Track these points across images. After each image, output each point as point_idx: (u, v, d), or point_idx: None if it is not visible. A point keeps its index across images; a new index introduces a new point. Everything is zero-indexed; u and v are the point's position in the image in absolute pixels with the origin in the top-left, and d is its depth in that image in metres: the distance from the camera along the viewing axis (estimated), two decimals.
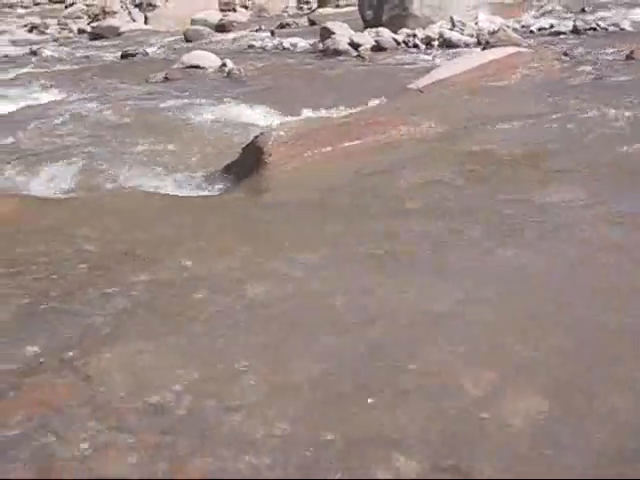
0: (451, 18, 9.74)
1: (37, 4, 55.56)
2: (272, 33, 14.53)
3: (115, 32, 20.37)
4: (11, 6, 53.88)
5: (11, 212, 3.89)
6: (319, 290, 2.77)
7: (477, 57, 6.74)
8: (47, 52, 13.23)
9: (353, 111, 5.24)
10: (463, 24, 9.51)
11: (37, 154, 5.48)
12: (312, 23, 15.82)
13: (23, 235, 3.56)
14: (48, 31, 26.45)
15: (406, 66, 8.14)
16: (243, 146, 4.53)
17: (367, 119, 4.76)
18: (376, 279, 2.82)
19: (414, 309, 2.57)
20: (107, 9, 26.83)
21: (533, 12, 13.27)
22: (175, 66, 8.64)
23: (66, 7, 30.51)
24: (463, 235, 3.17)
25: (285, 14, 21.88)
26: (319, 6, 21.24)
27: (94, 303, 2.80)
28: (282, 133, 4.43)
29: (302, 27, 15.63)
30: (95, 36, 20.54)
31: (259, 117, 6.17)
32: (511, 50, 6.74)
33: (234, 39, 13.89)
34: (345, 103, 6.35)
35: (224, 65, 8.59)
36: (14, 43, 23.19)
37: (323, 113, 6.07)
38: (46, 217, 3.80)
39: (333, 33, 9.68)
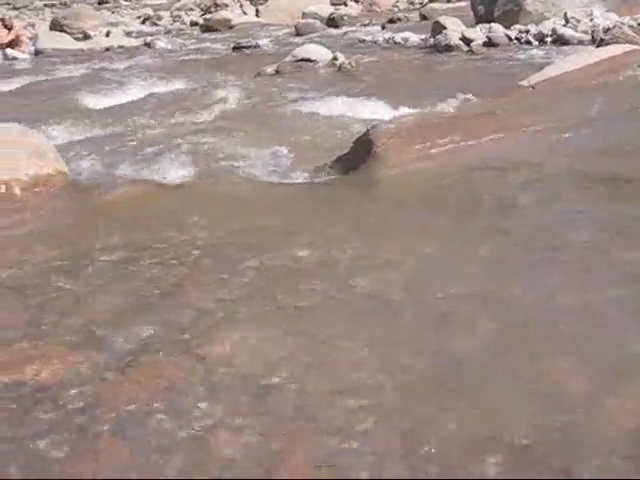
0: (565, 14, 9.59)
1: None
2: (383, 27, 14.57)
3: (227, 25, 20.64)
4: None
5: (135, 198, 4.01)
6: (428, 284, 2.78)
7: (590, 54, 6.61)
8: (160, 44, 13.50)
9: (464, 105, 5.17)
10: (577, 20, 9.36)
11: (156, 144, 5.60)
12: (423, 18, 15.81)
13: (142, 220, 3.67)
14: (161, 23, 26.96)
15: (518, 62, 8.05)
16: (354, 139, 4.55)
17: (478, 114, 4.74)
18: (490, 278, 2.82)
19: (534, 303, 2.57)
20: (219, 1, 27.25)
21: None
22: (286, 59, 8.71)
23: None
24: (575, 234, 3.14)
25: (395, 9, 21.87)
26: (430, 1, 21.16)
27: (208, 288, 2.87)
28: (393, 126, 4.45)
29: (413, 22, 15.62)
30: (207, 28, 20.84)
31: (370, 111, 6.17)
32: (627, 48, 6.61)
33: (344, 33, 13.95)
34: (456, 98, 6.34)
35: (335, 59, 8.62)
36: (128, 34, 23.68)
37: (434, 108, 6.07)
38: (164, 203, 3.91)
39: (445, 28, 9.64)
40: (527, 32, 9.32)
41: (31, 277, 3.10)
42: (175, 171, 4.72)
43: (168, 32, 22.36)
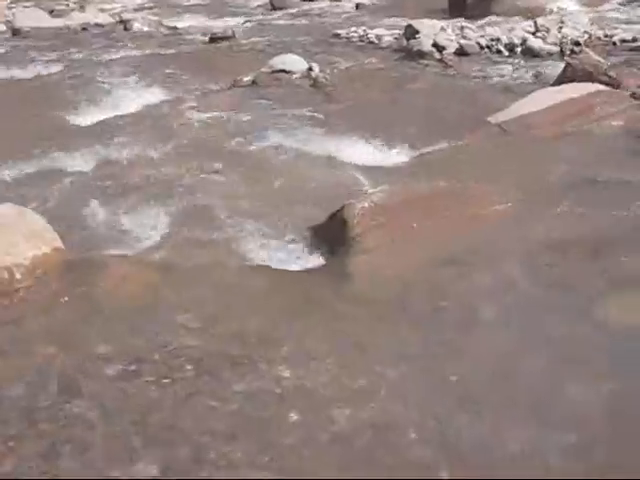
0: (535, 22, 9.84)
1: None
2: (357, 6, 14.75)
3: None
4: None
5: (127, 286, 4.31)
6: (398, 419, 3.13)
7: (556, 94, 6.94)
8: (137, 25, 13.59)
9: (439, 183, 5.38)
10: (547, 30, 9.62)
11: (126, 187, 5.94)
12: None
13: (135, 318, 3.97)
14: None
15: (488, 83, 8.35)
16: (329, 214, 4.87)
17: (449, 191, 5.04)
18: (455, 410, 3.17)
19: None
20: None
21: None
22: (263, 69, 8.94)
23: None
24: (530, 362, 3.48)
25: None
26: None
27: (199, 418, 3.21)
28: (367, 206, 4.76)
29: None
30: None
31: (344, 153, 6.48)
32: (591, 88, 6.93)
33: (319, 14, 14.14)
34: (426, 135, 6.69)
35: (310, 69, 8.87)
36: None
37: (404, 153, 6.42)
38: (154, 296, 4.22)
39: (417, 32, 9.87)
40: (498, 40, 9.56)
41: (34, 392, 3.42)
42: (156, 240, 5.05)
43: None
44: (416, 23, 10.12)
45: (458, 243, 4.50)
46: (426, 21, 10.36)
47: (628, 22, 11.25)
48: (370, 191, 5.02)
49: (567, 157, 5.82)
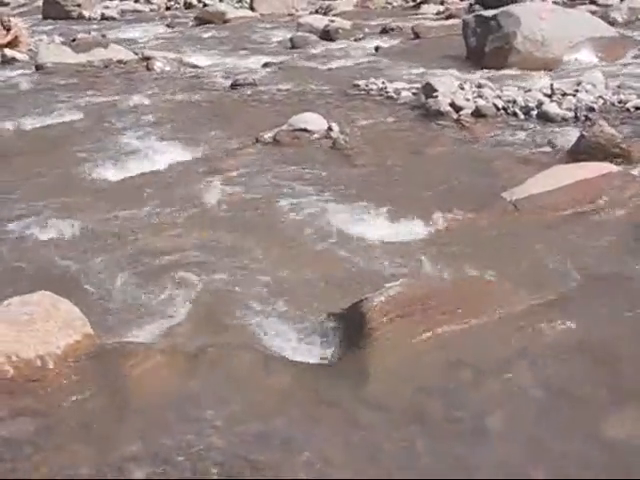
0: (551, 85, 10.03)
1: None
2: (376, 49, 14.99)
3: (222, 19, 21.06)
4: None
5: (155, 379, 4.51)
6: None
7: (568, 173, 7.12)
8: (158, 64, 13.84)
9: (455, 275, 5.58)
10: (562, 93, 9.81)
11: (148, 258, 6.17)
12: (416, 36, 16.22)
13: (162, 415, 4.18)
14: (155, 1, 27.13)
15: (504, 148, 8.53)
16: (346, 307, 5.07)
17: (469, 286, 5.23)
18: None
19: None
20: None
21: (636, 51, 13.47)
22: (284, 127, 9.15)
23: None
24: None
25: (389, 6, 22.20)
26: (422, 2, 21.54)
27: None
28: (384, 300, 4.95)
29: (406, 40, 15.94)
30: (202, 21, 21.16)
31: (362, 227, 6.68)
32: (604, 169, 7.12)
33: (339, 57, 14.37)
34: (442, 208, 6.88)
35: (330, 129, 9.09)
36: (122, 15, 24.00)
37: (420, 227, 6.62)
38: (174, 385, 4.42)
39: (436, 90, 10.08)
40: (514, 103, 9.75)
41: None
42: (180, 321, 5.28)
43: (163, 18, 22.68)
44: (434, 81, 10.31)
45: (473, 344, 4.68)
46: (444, 79, 10.55)
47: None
48: (388, 285, 5.18)
49: (580, 246, 5.98)
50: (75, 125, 10.44)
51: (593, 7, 17.83)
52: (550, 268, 5.68)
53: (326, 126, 9.17)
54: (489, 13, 13.74)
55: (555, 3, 18.65)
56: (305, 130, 9.10)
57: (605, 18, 15.97)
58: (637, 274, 5.51)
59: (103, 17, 24.34)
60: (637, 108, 9.39)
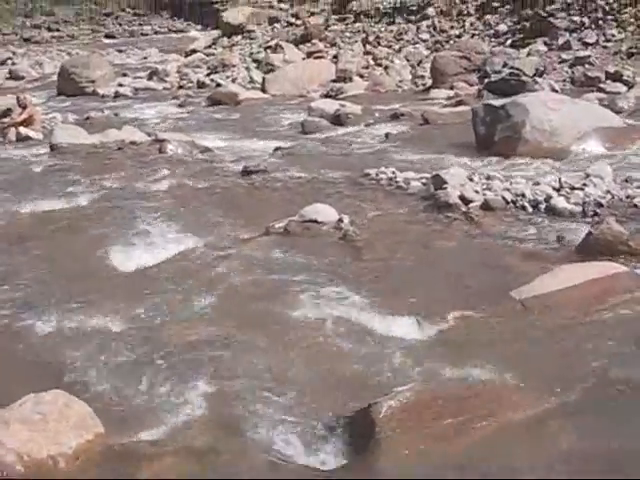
0: (559, 179, 10.15)
1: (157, 32, 57.49)
2: (386, 136, 15.17)
3: (234, 99, 21.37)
4: (132, 34, 55.86)
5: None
6: None
7: (577, 273, 7.20)
8: (171, 147, 14.03)
9: (465, 379, 5.62)
10: (570, 187, 9.92)
11: (160, 353, 6.24)
12: (425, 122, 16.43)
13: None
14: (168, 79, 27.56)
15: (513, 242, 8.60)
16: (360, 409, 5.11)
17: (478, 391, 5.28)
18: None
19: None
20: (226, 62, 27.94)
21: None
22: (295, 217, 9.25)
23: (186, 55, 31.68)
24: None
25: (399, 89, 22.50)
26: (433, 83, 21.84)
27: None
28: (394, 405, 5.00)
29: (416, 126, 16.12)
30: (214, 102, 21.47)
31: (371, 324, 6.75)
32: (611, 269, 7.20)
33: (350, 143, 14.54)
34: (451, 304, 6.95)
35: (341, 220, 9.20)
36: (136, 93, 24.37)
37: (429, 325, 6.68)
38: None
39: (445, 182, 10.20)
40: (523, 196, 9.86)
41: None
42: (189, 419, 5.32)
43: (175, 98, 23.01)
44: (444, 173, 10.44)
45: (482, 451, 4.71)
46: (453, 170, 10.67)
47: None
48: (398, 389, 5.23)
49: (588, 349, 6.02)
50: (89, 209, 10.58)
51: (601, 94, 18.04)
52: (559, 372, 5.72)
53: (337, 217, 9.28)
54: (498, 102, 13.94)
55: (563, 91, 19.00)
56: (316, 221, 9.21)
57: (612, 106, 16.17)
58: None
59: (117, 95, 24.70)
60: None
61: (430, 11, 27.20)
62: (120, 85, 26.37)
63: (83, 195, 11.20)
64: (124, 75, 28.97)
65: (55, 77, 27.61)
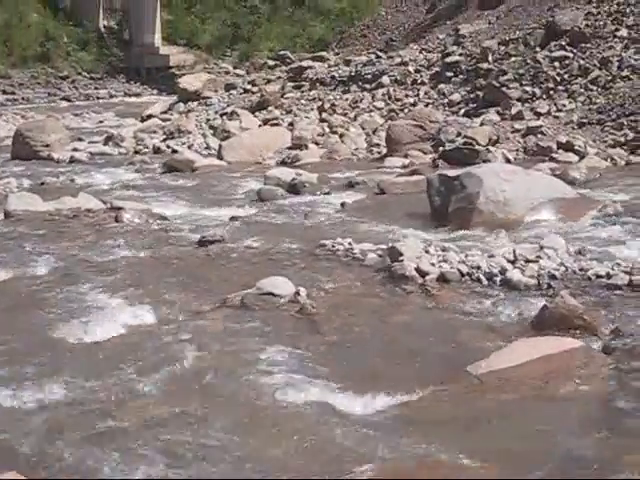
0: (514, 251, 10.25)
1: (113, 96, 57.68)
2: (342, 205, 15.24)
3: (190, 166, 21.42)
4: (88, 97, 56.01)
5: None
6: None
7: (533, 348, 7.28)
8: (127, 216, 13.98)
9: (424, 459, 5.63)
10: (525, 259, 10.02)
11: (112, 433, 6.16)
12: (381, 191, 16.53)
13: None
14: (124, 144, 27.53)
15: (469, 317, 8.66)
16: None
17: (437, 466, 5.28)
18: None
19: None
20: (183, 128, 28.02)
21: (595, 212, 13.78)
22: (252, 290, 9.24)
23: (142, 120, 31.70)
24: None
25: (355, 157, 22.63)
26: (388, 151, 22.02)
27: None
28: None
29: (370, 196, 16.19)
30: (170, 168, 21.47)
31: (328, 402, 6.76)
32: (566, 345, 7.30)
33: (306, 213, 14.58)
34: (407, 380, 6.99)
35: (298, 293, 9.21)
36: (91, 158, 24.32)
37: (385, 401, 6.70)
38: None
39: (401, 254, 10.26)
40: (478, 268, 9.94)
41: None
42: None
43: (132, 163, 22.99)
44: (400, 245, 10.50)
45: None
46: (409, 242, 10.75)
47: (605, 242, 11.65)
48: (360, 469, 5.22)
49: (545, 425, 6.09)
50: (43, 280, 10.47)
51: (553, 164, 18.29)
52: (514, 449, 5.74)
53: (293, 290, 9.30)
54: (453, 173, 14.08)
55: (516, 160, 19.27)
56: (273, 294, 9.20)
57: (564, 176, 16.40)
58: (597, 456, 5.58)
59: (72, 160, 24.56)
60: (598, 276, 9.58)
61: (385, 80, 27.45)
62: (75, 150, 26.19)
63: (38, 265, 11.08)
64: (80, 139, 28.73)
65: (9, 141, 27.36)
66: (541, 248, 10.57)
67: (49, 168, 22.75)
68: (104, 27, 67.46)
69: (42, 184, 19.37)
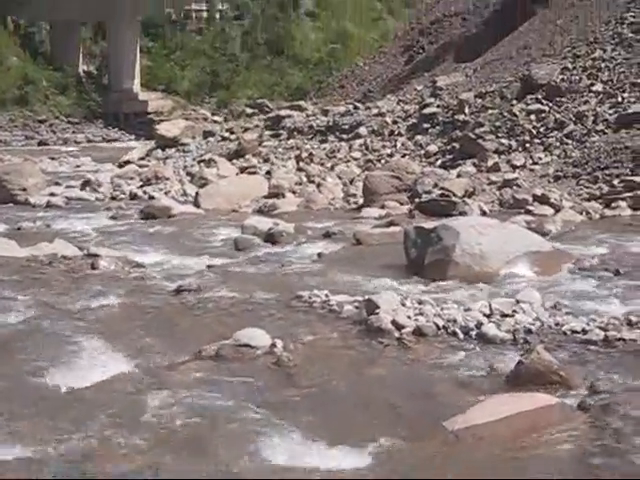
0: (489, 305, 10.30)
1: (90, 141, 57.73)
2: (319, 255, 15.28)
3: (167, 213, 21.45)
4: (65, 141, 56.03)
5: None
6: None
7: (508, 405, 7.30)
8: (103, 264, 13.96)
9: None
10: (501, 314, 10.07)
11: None
12: (358, 242, 16.57)
13: None
14: (101, 190, 27.51)
15: (445, 371, 8.67)
16: None
17: None
18: None
19: None
20: (160, 174, 28.06)
21: (570, 265, 13.87)
22: (228, 342, 9.24)
23: (120, 166, 31.73)
24: None
25: (331, 207, 22.71)
26: (365, 202, 22.11)
27: None
28: None
29: (348, 247, 16.21)
30: (147, 215, 21.49)
31: (302, 456, 6.73)
32: (542, 401, 7.34)
33: (282, 263, 14.58)
34: (382, 434, 6.96)
35: (274, 345, 9.21)
36: (68, 203, 24.29)
37: (362, 455, 6.66)
38: None
39: (378, 307, 10.28)
40: (454, 322, 9.97)
41: None
42: None
43: (108, 209, 22.97)
44: (376, 298, 10.53)
45: None
46: (386, 295, 10.77)
47: (580, 296, 11.71)
48: None
49: None
50: (17, 328, 10.42)
51: (529, 217, 18.43)
52: None
53: (270, 342, 9.31)
54: (429, 225, 14.17)
55: (492, 212, 19.40)
56: (249, 346, 9.19)
57: (540, 229, 16.54)
58: None
59: (49, 204, 24.53)
60: (573, 332, 9.63)
61: (362, 130, 27.63)
62: (52, 194, 26.15)
63: (13, 313, 11.01)
64: (57, 184, 28.70)
65: None
66: (517, 302, 10.64)
67: (26, 212, 22.69)
68: (83, 72, 67.85)
69: (19, 229, 19.35)
